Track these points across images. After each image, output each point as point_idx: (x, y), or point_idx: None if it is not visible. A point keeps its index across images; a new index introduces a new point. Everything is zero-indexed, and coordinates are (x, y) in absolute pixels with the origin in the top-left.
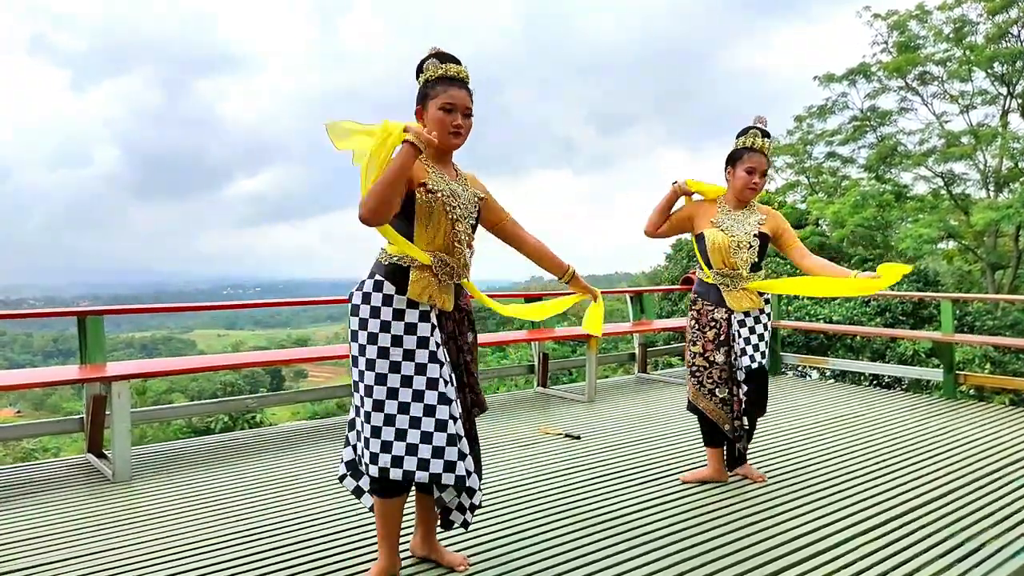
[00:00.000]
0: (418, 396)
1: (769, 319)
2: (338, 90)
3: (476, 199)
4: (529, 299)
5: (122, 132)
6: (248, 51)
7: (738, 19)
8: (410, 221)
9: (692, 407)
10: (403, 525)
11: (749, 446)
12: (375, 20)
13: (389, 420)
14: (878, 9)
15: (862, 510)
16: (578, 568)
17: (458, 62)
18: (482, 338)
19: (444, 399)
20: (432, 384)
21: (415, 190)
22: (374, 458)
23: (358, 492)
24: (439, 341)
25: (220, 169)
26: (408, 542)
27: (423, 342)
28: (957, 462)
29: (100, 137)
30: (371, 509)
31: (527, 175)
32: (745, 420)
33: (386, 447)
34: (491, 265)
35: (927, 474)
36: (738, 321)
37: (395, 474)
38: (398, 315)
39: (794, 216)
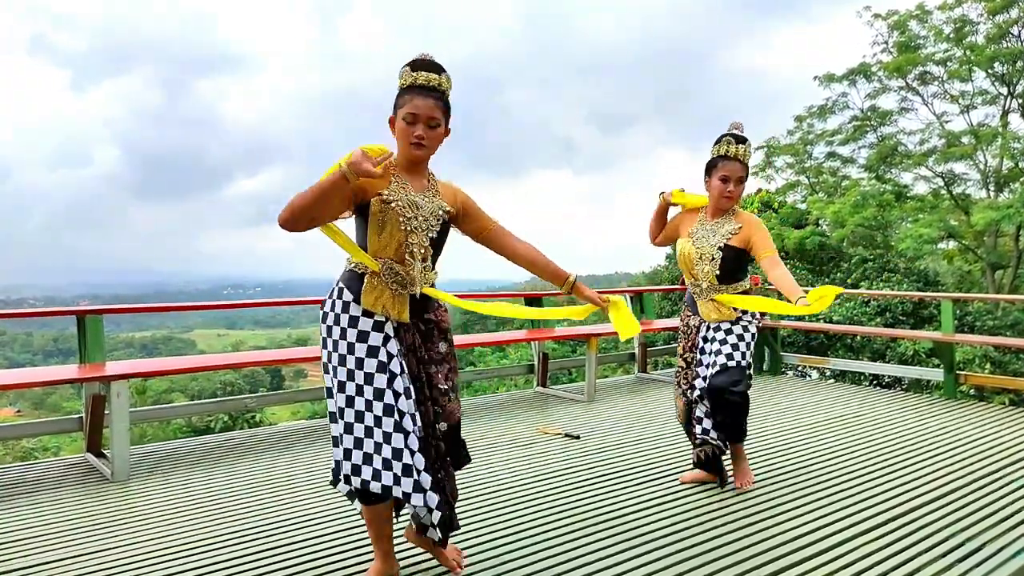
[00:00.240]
0: (368, 406)
1: (746, 331)
2: (338, 90)
3: (441, 212)
4: (529, 299)
5: (122, 132)
6: (248, 51)
7: (738, 19)
8: (366, 229)
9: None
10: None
11: (746, 447)
12: (375, 20)
13: (348, 428)
14: (878, 9)
15: (862, 510)
16: (577, 568)
17: (436, 69)
18: (482, 338)
19: (390, 411)
20: (379, 395)
21: (370, 200)
22: (338, 465)
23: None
24: (392, 352)
25: (220, 169)
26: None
27: (373, 351)
28: (957, 462)
29: (100, 137)
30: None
31: (527, 175)
32: (713, 434)
33: (347, 455)
34: (491, 265)
35: (927, 474)
36: (705, 331)
37: (355, 482)
38: (353, 322)
39: (794, 216)
